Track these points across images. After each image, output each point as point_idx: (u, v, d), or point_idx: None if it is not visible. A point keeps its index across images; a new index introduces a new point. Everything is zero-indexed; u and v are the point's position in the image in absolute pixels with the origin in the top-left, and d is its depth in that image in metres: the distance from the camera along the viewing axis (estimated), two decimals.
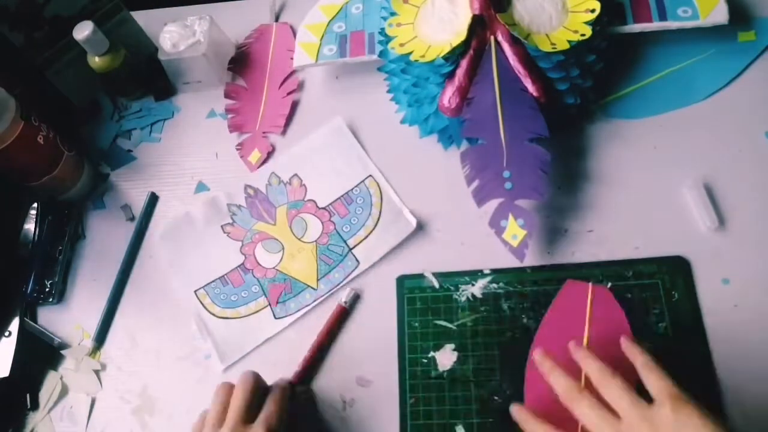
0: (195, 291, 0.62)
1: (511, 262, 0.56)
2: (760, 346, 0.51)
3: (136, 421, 0.58)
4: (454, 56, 0.58)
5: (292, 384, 0.54)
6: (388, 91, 0.66)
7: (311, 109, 0.70)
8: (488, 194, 0.57)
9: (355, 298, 0.59)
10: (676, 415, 0.42)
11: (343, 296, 0.58)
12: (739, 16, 0.63)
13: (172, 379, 0.59)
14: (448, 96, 0.59)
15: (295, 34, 0.72)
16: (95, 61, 0.68)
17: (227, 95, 0.72)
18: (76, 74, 0.71)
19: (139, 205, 0.68)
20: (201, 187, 0.68)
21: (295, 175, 0.66)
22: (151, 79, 0.74)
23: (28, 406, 0.60)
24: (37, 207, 0.67)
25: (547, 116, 0.57)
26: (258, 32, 0.76)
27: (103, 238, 0.68)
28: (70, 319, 0.64)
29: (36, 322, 0.64)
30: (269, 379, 0.52)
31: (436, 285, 0.58)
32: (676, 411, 0.42)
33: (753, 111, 0.60)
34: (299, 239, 0.63)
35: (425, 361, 0.55)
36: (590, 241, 0.57)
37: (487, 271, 0.57)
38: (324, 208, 0.64)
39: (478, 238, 0.59)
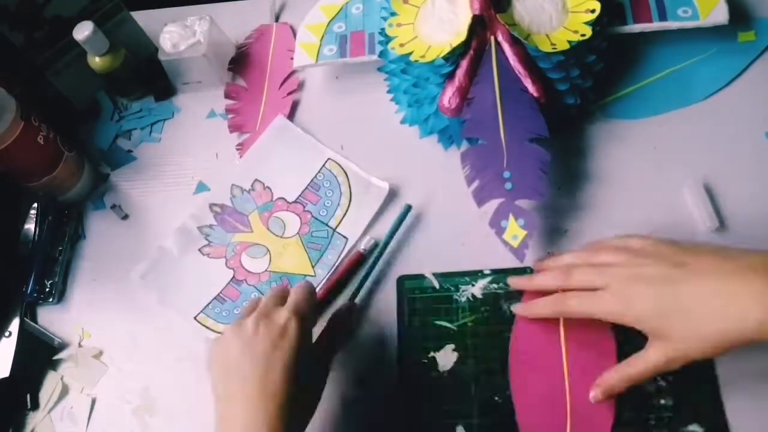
0: (195, 317, 0.61)
1: (512, 262, 0.56)
2: (761, 345, 0.51)
3: (136, 421, 0.58)
4: (454, 56, 0.58)
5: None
6: (388, 92, 0.66)
7: (311, 110, 0.70)
8: (488, 194, 0.57)
9: (374, 246, 0.60)
10: (658, 240, 0.46)
11: (362, 243, 0.60)
12: (739, 16, 0.63)
13: (173, 379, 0.59)
14: (448, 96, 0.59)
15: (295, 34, 0.72)
16: (95, 61, 0.68)
17: (227, 95, 0.72)
18: (76, 74, 0.71)
19: (139, 205, 0.68)
20: (201, 187, 0.68)
21: (256, 180, 0.66)
22: (151, 80, 0.74)
23: (29, 407, 0.59)
24: (37, 207, 0.67)
25: (547, 116, 0.57)
26: (258, 32, 0.76)
27: (103, 238, 0.68)
28: (70, 319, 0.64)
29: (36, 322, 0.64)
30: None
31: (437, 285, 0.58)
32: (656, 239, 0.47)
33: (753, 111, 0.60)
34: (281, 237, 0.63)
35: (425, 361, 0.55)
36: (590, 241, 0.57)
37: (487, 272, 0.57)
38: (295, 202, 0.64)
39: (478, 238, 0.59)
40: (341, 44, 0.67)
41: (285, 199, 0.65)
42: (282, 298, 0.51)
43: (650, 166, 0.60)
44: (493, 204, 0.56)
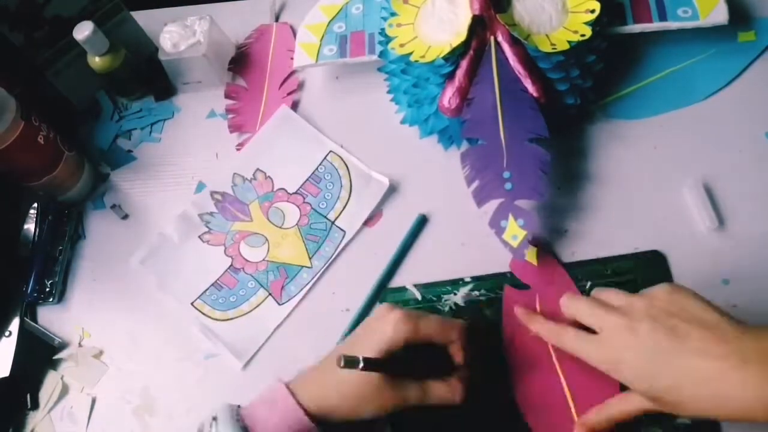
0: (192, 303, 0.62)
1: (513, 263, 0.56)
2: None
3: (136, 421, 0.58)
4: (454, 57, 0.58)
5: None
6: (388, 92, 0.66)
7: (311, 110, 0.70)
8: (488, 195, 0.57)
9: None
10: (670, 295, 0.45)
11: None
12: (739, 16, 0.63)
13: (173, 379, 0.59)
14: (448, 96, 0.59)
15: (295, 34, 0.72)
16: (95, 61, 0.68)
17: (227, 95, 0.72)
18: (76, 74, 0.71)
19: (139, 205, 0.68)
20: (201, 187, 0.68)
21: (258, 169, 0.67)
22: (152, 79, 0.74)
23: (29, 406, 0.60)
24: (37, 207, 0.67)
25: (547, 117, 0.57)
26: (258, 32, 0.76)
27: (103, 238, 0.68)
28: (70, 319, 0.64)
29: (36, 322, 0.64)
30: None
31: (419, 297, 0.58)
32: (669, 292, 0.45)
33: (753, 111, 0.60)
34: (280, 227, 0.63)
35: None
36: (590, 241, 0.57)
37: (468, 279, 0.58)
38: (296, 193, 0.65)
39: (478, 238, 0.59)
40: (341, 44, 0.67)
41: (286, 190, 0.65)
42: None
43: (650, 166, 0.60)
44: (493, 204, 0.56)
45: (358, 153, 0.66)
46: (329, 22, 0.68)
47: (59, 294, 0.65)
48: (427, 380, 0.47)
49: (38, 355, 0.62)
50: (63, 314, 0.64)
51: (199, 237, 0.65)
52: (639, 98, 0.63)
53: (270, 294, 0.61)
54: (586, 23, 0.58)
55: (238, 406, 0.48)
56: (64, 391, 0.60)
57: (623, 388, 0.47)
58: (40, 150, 0.63)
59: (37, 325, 0.63)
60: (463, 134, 0.59)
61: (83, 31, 0.64)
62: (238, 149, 0.69)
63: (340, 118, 0.69)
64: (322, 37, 0.68)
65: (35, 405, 0.60)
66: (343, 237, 0.62)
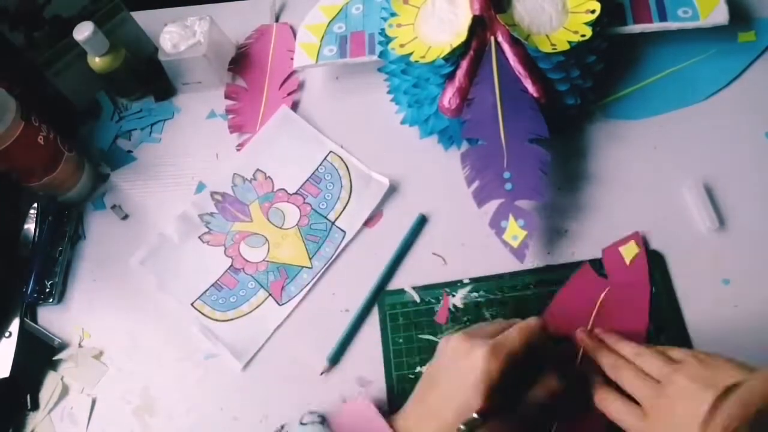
0: (192, 303, 0.62)
1: (513, 263, 0.56)
2: (761, 346, 0.51)
3: (136, 421, 0.58)
4: (454, 57, 0.58)
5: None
6: (389, 92, 0.66)
7: (311, 110, 0.70)
8: (488, 195, 0.57)
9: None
10: (702, 363, 0.43)
11: None
12: (739, 16, 0.63)
13: (173, 380, 0.59)
14: (449, 97, 0.59)
15: (295, 34, 0.72)
16: (95, 61, 0.68)
17: (227, 96, 0.72)
18: (76, 74, 0.71)
19: (139, 205, 0.68)
20: (201, 188, 0.68)
21: (258, 170, 0.67)
22: (151, 80, 0.74)
23: (29, 407, 0.59)
24: (37, 207, 0.67)
25: (547, 117, 0.57)
26: (258, 33, 0.76)
27: (103, 239, 0.67)
28: (70, 320, 0.64)
29: (36, 322, 0.64)
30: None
31: (417, 299, 0.58)
32: (701, 360, 0.43)
33: (753, 111, 0.60)
34: (280, 228, 0.63)
35: (412, 376, 0.55)
36: (590, 241, 0.57)
37: (466, 281, 0.58)
38: (296, 194, 0.65)
39: (478, 238, 0.59)
40: (341, 45, 0.67)
41: (286, 191, 0.65)
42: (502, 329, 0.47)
43: (650, 166, 0.60)
44: (493, 204, 0.56)
45: (358, 153, 0.66)
46: (329, 23, 0.68)
47: (59, 294, 0.65)
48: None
49: (38, 355, 0.62)
50: (63, 315, 0.64)
51: (199, 237, 0.65)
52: (639, 98, 0.63)
53: (270, 294, 0.61)
54: (587, 23, 0.58)
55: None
56: (64, 391, 0.60)
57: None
58: (40, 150, 0.63)
59: (37, 326, 0.63)
60: (464, 134, 0.59)
61: (83, 31, 0.64)
62: (238, 149, 0.69)
63: (340, 119, 0.69)
64: (322, 37, 0.68)
65: (35, 406, 0.60)
66: (343, 237, 0.62)
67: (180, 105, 0.74)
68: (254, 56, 0.74)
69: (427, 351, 0.55)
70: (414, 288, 0.58)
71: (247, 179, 0.67)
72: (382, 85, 0.66)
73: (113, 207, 0.69)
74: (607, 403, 0.46)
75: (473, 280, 0.57)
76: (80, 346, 0.62)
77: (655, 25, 0.61)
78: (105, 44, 0.67)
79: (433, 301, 0.57)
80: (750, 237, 0.55)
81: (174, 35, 0.69)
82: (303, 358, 0.57)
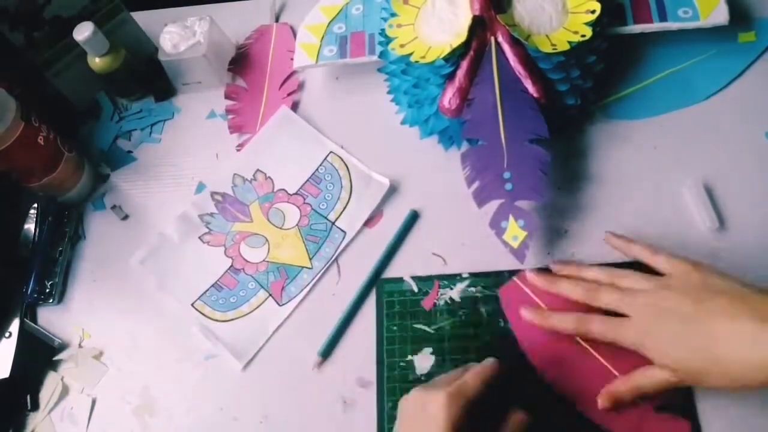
0: (192, 304, 0.62)
1: (512, 263, 0.56)
2: None
3: (136, 421, 0.58)
4: (454, 57, 0.58)
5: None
6: (389, 92, 0.66)
7: (311, 110, 0.70)
8: (489, 195, 0.57)
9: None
10: (693, 272, 0.46)
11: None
12: (740, 16, 0.63)
13: (173, 380, 0.59)
14: (449, 97, 0.59)
15: (295, 34, 0.72)
16: (95, 61, 0.68)
17: (227, 96, 0.72)
18: (76, 75, 0.71)
19: (139, 206, 0.68)
20: (201, 188, 0.68)
21: (258, 170, 0.67)
22: (151, 80, 0.74)
23: (29, 407, 0.59)
24: (37, 207, 0.67)
25: (547, 117, 0.57)
26: (258, 33, 0.76)
27: (103, 239, 0.67)
28: (70, 320, 0.64)
29: (36, 322, 0.64)
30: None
31: (415, 289, 0.58)
32: (689, 271, 0.46)
33: (753, 111, 0.60)
34: (280, 228, 0.63)
35: (403, 364, 0.55)
36: (590, 241, 0.57)
37: (465, 275, 0.58)
38: (296, 194, 0.65)
39: (478, 238, 0.59)
40: (341, 45, 0.67)
41: (286, 191, 0.65)
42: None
43: (650, 166, 0.60)
44: (493, 205, 0.56)
45: (358, 153, 0.66)
46: (329, 23, 0.68)
47: (59, 295, 0.65)
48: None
49: (38, 356, 0.61)
50: (63, 315, 0.64)
51: (200, 238, 0.65)
52: (639, 99, 0.63)
53: (270, 295, 0.61)
54: (587, 24, 0.58)
55: None
56: (65, 392, 0.60)
57: None
58: (40, 150, 0.63)
59: (37, 326, 0.63)
60: (464, 135, 0.59)
61: (83, 31, 0.65)
62: (238, 150, 0.69)
63: (340, 119, 0.69)
64: (322, 37, 0.68)
65: (35, 406, 0.60)
66: (344, 238, 0.62)
67: (180, 105, 0.74)
68: (254, 56, 0.74)
69: (420, 340, 0.55)
70: (412, 277, 0.58)
71: (247, 179, 0.67)
72: (382, 85, 0.67)
73: (113, 207, 0.69)
74: (590, 326, 0.49)
75: (472, 275, 0.57)
76: (80, 346, 0.62)
77: (656, 26, 0.61)
78: (105, 44, 0.67)
79: (430, 291, 0.57)
80: (750, 237, 0.55)
81: (174, 35, 0.69)
82: (303, 358, 0.57)
